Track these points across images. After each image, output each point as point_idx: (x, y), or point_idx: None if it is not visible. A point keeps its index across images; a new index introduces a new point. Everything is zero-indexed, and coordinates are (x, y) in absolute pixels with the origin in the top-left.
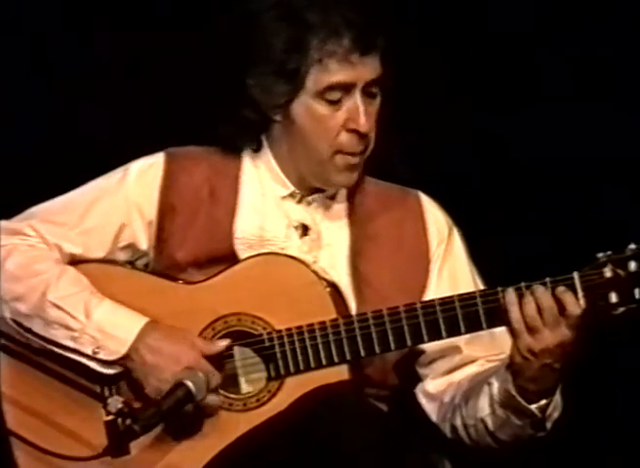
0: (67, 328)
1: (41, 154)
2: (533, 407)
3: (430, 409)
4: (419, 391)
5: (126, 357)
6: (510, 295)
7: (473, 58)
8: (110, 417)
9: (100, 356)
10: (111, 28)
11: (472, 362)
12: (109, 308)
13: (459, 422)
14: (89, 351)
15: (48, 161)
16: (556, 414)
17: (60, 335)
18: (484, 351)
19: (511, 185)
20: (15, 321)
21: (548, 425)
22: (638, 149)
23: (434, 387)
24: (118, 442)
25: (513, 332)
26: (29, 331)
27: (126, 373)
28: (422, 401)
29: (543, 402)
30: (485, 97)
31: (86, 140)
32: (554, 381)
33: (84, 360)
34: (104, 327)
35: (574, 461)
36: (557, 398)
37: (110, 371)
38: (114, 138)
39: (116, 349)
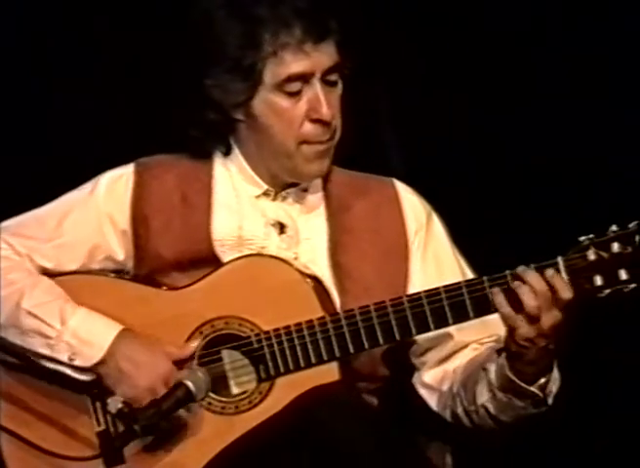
0: (43, 335)
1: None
2: (533, 387)
3: (430, 399)
4: (416, 382)
5: (101, 363)
6: (499, 298)
7: (470, 55)
8: (102, 428)
9: (77, 362)
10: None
11: (465, 347)
12: (84, 315)
13: (460, 409)
14: (65, 358)
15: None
16: (555, 388)
17: (36, 343)
18: (475, 335)
19: (499, 180)
20: None
21: (549, 400)
22: (632, 146)
23: (431, 377)
24: (117, 442)
25: (510, 327)
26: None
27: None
28: (421, 391)
29: (542, 380)
30: (481, 95)
31: (56, 150)
32: (550, 360)
33: (60, 368)
34: (80, 333)
35: (563, 446)
36: (555, 373)
37: (85, 379)
38: (87, 149)
39: (92, 355)
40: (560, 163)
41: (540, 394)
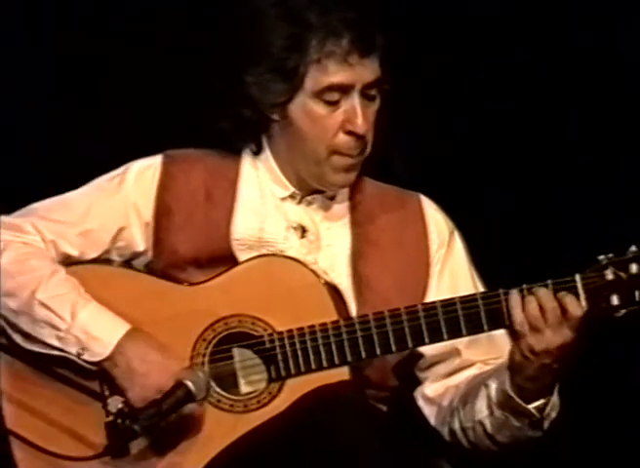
0: (54, 327)
1: (43, 152)
2: (531, 406)
3: (429, 413)
4: (417, 395)
5: (109, 359)
6: (513, 297)
7: (471, 59)
8: (110, 418)
9: (85, 357)
10: (110, 28)
11: (470, 365)
12: (95, 310)
13: (457, 426)
14: (74, 351)
15: (49, 159)
16: (554, 414)
17: (46, 334)
18: (482, 355)
19: (514, 187)
20: (3, 316)
21: (546, 424)
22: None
23: (433, 391)
24: (118, 442)
25: (515, 333)
26: (15, 327)
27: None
28: (421, 404)
29: (541, 401)
30: (488, 101)
31: (84, 142)
32: (552, 381)
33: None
34: (89, 328)
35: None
36: (555, 398)
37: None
38: (114, 139)
39: (100, 351)
40: (567, 168)
41: (538, 415)
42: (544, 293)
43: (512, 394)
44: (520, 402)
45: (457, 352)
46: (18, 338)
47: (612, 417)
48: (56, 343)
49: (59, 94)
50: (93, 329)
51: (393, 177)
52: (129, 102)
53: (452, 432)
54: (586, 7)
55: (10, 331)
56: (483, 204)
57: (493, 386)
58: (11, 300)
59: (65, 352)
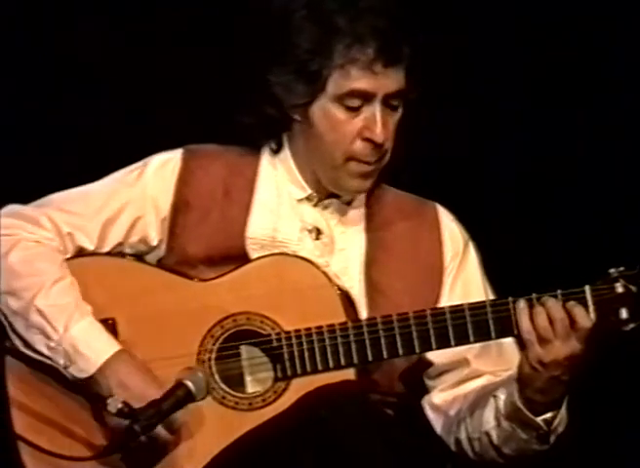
0: (45, 336)
1: (43, 152)
2: (539, 419)
3: (436, 421)
4: (425, 403)
5: (92, 378)
6: (521, 306)
7: (476, 64)
8: (110, 418)
9: (70, 371)
10: (133, 20)
11: (479, 376)
12: (87, 327)
13: (463, 435)
14: (61, 363)
15: (49, 159)
16: (561, 428)
17: (37, 341)
18: (492, 366)
19: (525, 197)
20: (2, 313)
21: (552, 438)
22: None
23: (441, 399)
24: (118, 442)
25: (524, 343)
26: (11, 327)
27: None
28: (429, 412)
29: (549, 414)
30: (495, 108)
31: (109, 136)
32: (561, 393)
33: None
34: (78, 344)
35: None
36: (563, 411)
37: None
38: (135, 134)
39: (85, 368)
40: (580, 178)
41: (545, 428)
42: (553, 304)
43: (521, 406)
44: (528, 414)
45: (466, 362)
46: (12, 337)
47: (618, 431)
48: (45, 351)
49: (58, 94)
50: (82, 346)
51: (395, 180)
52: (129, 102)
53: (458, 441)
54: (586, 7)
55: (7, 328)
56: (493, 212)
57: (501, 397)
58: (13, 300)
59: (54, 361)
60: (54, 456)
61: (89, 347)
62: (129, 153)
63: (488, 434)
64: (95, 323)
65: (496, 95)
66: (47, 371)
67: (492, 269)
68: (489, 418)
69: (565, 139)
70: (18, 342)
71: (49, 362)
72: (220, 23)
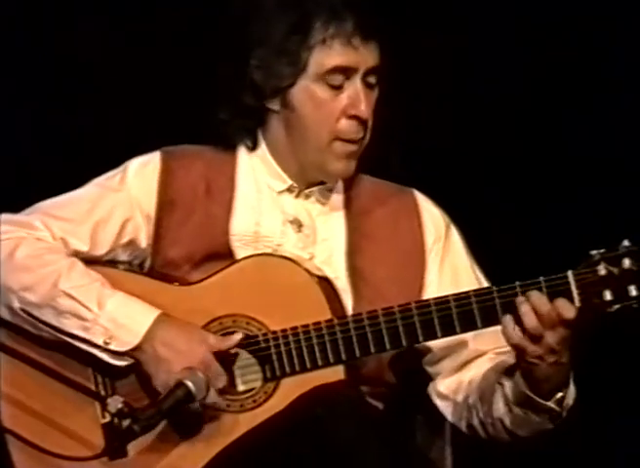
0: (80, 317)
1: (43, 152)
2: (550, 403)
3: (445, 409)
4: (431, 391)
5: (138, 348)
6: (507, 319)
7: (476, 64)
8: (110, 418)
9: (112, 347)
10: (133, 20)
11: (480, 355)
12: (122, 299)
13: (476, 421)
14: (100, 341)
15: (49, 159)
16: (571, 402)
17: (71, 325)
18: (492, 344)
19: (505, 182)
20: (24, 310)
21: (564, 414)
22: (634, 146)
23: (445, 387)
24: (117, 442)
25: (516, 348)
26: (40, 320)
27: (133, 367)
28: (436, 401)
29: (559, 395)
30: (491, 99)
31: (109, 136)
32: (565, 373)
33: (95, 350)
34: (117, 317)
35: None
36: (571, 387)
37: (121, 363)
38: (135, 134)
39: (129, 340)
40: (556, 163)
41: (558, 408)
42: (538, 299)
43: (530, 394)
44: (540, 400)
45: (464, 343)
46: (42, 330)
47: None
48: (81, 334)
49: (58, 94)
50: (121, 318)
51: (390, 175)
52: (129, 102)
53: (470, 426)
54: (586, 7)
55: (31, 324)
56: (475, 199)
57: (507, 385)
58: (32, 294)
59: (91, 343)
60: (53, 456)
61: (129, 318)
62: (129, 153)
63: (501, 420)
64: (127, 295)
65: (496, 95)
66: (42, 369)
67: (473, 256)
68: (499, 405)
69: (565, 140)
70: (49, 333)
71: (84, 346)
72: (219, 23)
